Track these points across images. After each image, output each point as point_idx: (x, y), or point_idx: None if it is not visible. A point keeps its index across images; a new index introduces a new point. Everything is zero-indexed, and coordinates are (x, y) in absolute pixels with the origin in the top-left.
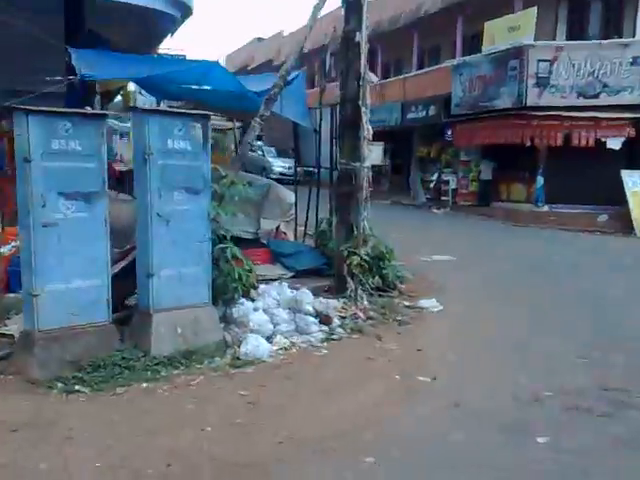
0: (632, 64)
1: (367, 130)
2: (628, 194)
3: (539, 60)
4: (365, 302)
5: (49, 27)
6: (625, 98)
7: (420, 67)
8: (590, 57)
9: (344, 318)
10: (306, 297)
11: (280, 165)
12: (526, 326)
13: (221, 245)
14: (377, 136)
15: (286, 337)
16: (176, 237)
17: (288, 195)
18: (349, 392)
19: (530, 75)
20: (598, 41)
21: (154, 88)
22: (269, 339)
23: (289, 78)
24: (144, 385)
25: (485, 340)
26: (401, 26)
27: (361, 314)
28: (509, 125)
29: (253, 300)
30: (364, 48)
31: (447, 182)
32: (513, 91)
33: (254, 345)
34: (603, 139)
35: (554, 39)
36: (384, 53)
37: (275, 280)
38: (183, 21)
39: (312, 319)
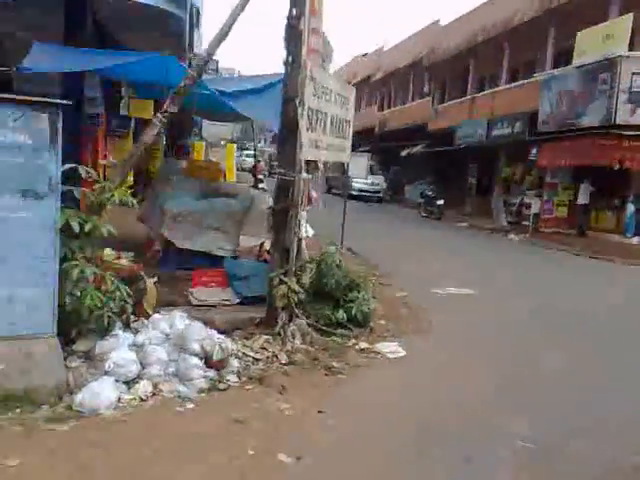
0: None
1: (308, 137)
2: None
3: (634, 73)
4: (297, 341)
5: (49, 22)
6: None
7: (512, 82)
8: None
9: (257, 360)
10: (194, 333)
11: (363, 181)
12: (494, 406)
13: (74, 262)
14: (460, 153)
15: (155, 383)
16: (3, 251)
17: None
18: (162, 474)
19: (622, 90)
20: None
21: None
22: (132, 383)
23: (275, 80)
24: None
25: (420, 414)
26: (493, 37)
27: (283, 356)
28: (595, 145)
29: (135, 332)
30: (307, 38)
31: (529, 206)
32: (602, 107)
33: (94, 392)
34: None
35: None
36: (478, 67)
37: (213, 306)
38: (193, 23)
39: (196, 361)
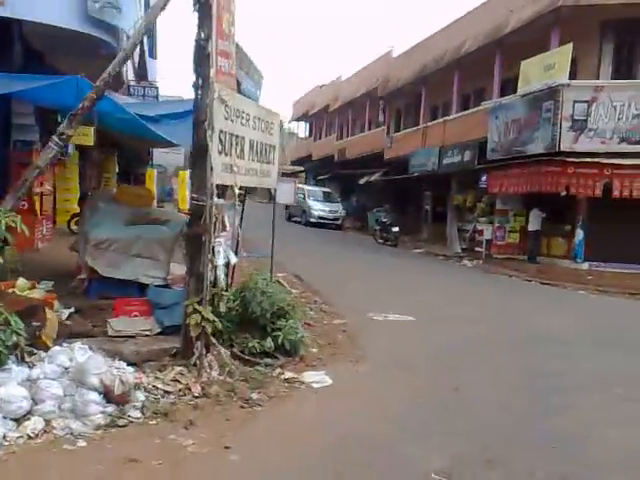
0: None
1: (220, 161)
2: None
3: (575, 101)
4: (214, 372)
5: None
6: None
7: (464, 110)
8: (635, 98)
9: (167, 393)
10: (94, 366)
11: (321, 209)
12: (414, 437)
13: None
14: (416, 181)
15: (47, 419)
16: None
17: None
18: None
19: (565, 117)
20: None
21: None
22: (22, 420)
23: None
24: None
25: (331, 446)
26: (444, 67)
27: (197, 389)
28: (542, 172)
29: (32, 366)
30: (215, 60)
31: (482, 232)
32: (547, 135)
33: None
34: None
35: (598, 79)
36: (430, 97)
37: (132, 337)
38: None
39: (94, 396)
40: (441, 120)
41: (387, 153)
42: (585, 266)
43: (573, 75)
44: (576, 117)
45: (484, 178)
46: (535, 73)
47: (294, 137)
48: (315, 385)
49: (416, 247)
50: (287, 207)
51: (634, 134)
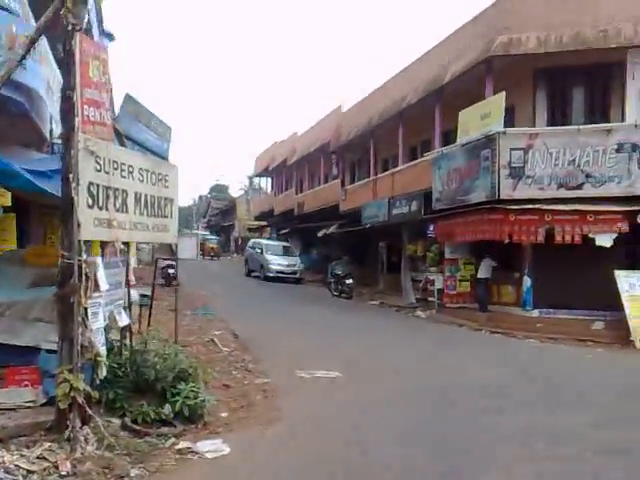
0: (617, 151)
1: (93, 216)
2: (624, 298)
3: (512, 149)
4: (90, 447)
5: None
6: (613, 189)
7: (411, 162)
8: (570, 144)
9: (31, 473)
10: None
11: (278, 263)
12: None
13: None
14: (371, 232)
15: None
16: None
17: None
18: None
19: (502, 165)
20: (577, 127)
21: None
22: None
23: None
24: None
25: None
26: (389, 119)
27: (66, 466)
28: (485, 221)
29: None
30: (81, 110)
31: (433, 282)
32: (487, 183)
33: None
34: (591, 235)
35: (534, 126)
36: (380, 149)
37: (12, 410)
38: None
39: None
40: (389, 172)
41: (342, 205)
42: (535, 313)
43: (511, 123)
44: (513, 164)
45: (432, 227)
46: (473, 122)
47: (259, 193)
48: (209, 455)
49: (372, 299)
50: (247, 262)
51: (571, 180)
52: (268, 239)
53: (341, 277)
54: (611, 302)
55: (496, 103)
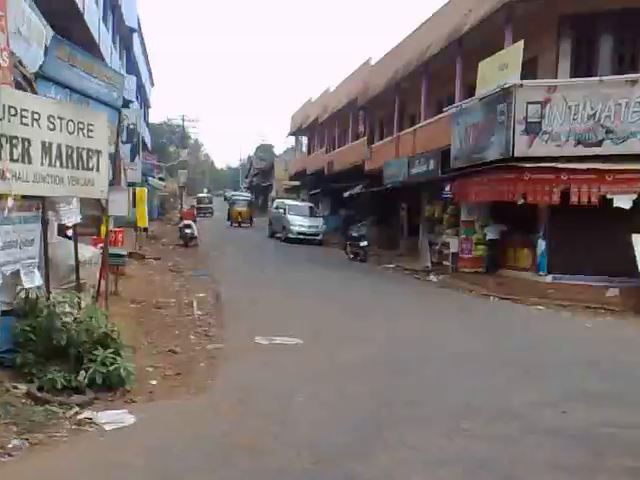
0: None
1: None
2: None
3: (528, 102)
4: None
5: None
6: (635, 146)
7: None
8: (590, 97)
9: None
10: None
11: (300, 224)
12: None
13: None
14: (394, 193)
15: None
16: None
17: (70, 255)
18: None
19: (518, 120)
20: (598, 78)
21: None
22: None
23: None
24: None
25: None
26: (413, 72)
27: None
28: (498, 180)
29: None
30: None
31: (448, 245)
32: (501, 140)
33: None
34: (609, 196)
35: (556, 78)
36: (407, 105)
37: None
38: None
39: None
40: (412, 129)
41: (367, 165)
42: (548, 279)
43: (533, 75)
44: (530, 119)
45: (447, 188)
46: (491, 74)
47: (294, 152)
48: (107, 427)
49: (390, 262)
50: (270, 223)
51: (590, 136)
52: (295, 200)
53: (356, 239)
54: (629, 268)
55: (514, 53)
